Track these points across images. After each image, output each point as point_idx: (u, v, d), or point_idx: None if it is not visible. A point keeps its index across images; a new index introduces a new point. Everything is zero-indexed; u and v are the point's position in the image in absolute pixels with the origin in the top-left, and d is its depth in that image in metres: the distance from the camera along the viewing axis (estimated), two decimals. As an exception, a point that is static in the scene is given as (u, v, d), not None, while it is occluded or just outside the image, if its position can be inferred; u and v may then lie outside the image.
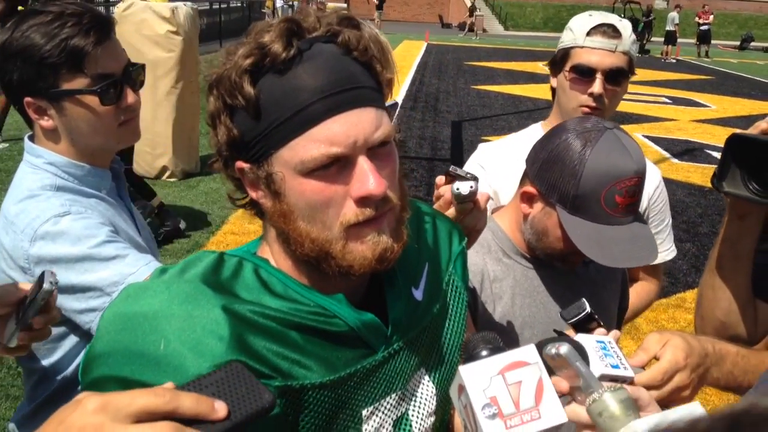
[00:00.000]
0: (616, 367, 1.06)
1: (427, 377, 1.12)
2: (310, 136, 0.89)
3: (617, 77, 1.94)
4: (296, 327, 0.94)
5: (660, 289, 2.34)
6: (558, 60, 2.02)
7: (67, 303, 1.44)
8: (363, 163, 0.91)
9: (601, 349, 1.08)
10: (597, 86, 1.91)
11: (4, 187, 6.91)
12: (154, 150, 7.60)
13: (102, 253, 1.44)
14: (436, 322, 1.14)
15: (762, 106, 15.91)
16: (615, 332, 1.21)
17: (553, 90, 2.07)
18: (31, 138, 1.61)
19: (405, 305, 1.07)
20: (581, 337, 1.10)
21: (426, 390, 1.12)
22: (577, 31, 1.97)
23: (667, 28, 28.15)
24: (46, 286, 1.10)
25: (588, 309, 1.22)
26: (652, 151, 10.57)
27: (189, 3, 8.30)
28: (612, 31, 1.93)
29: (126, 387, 0.83)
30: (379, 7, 34.54)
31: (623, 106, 15.54)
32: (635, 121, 13.04)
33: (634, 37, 1.98)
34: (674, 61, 27.61)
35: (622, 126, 1.46)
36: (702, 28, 30.44)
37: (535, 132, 2.12)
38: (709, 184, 1.49)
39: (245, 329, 0.89)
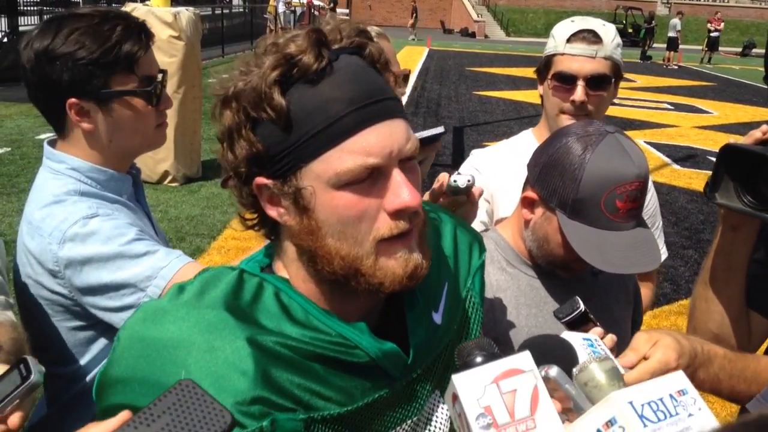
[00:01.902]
0: None
1: (442, 400, 1.09)
2: (344, 148, 0.87)
3: (600, 83, 1.92)
4: (317, 358, 0.92)
5: (654, 294, 2.32)
6: (542, 68, 2.02)
7: (100, 302, 1.45)
8: (397, 175, 0.90)
9: (589, 346, 1.07)
10: (578, 93, 1.90)
11: (6, 191, 6.90)
12: (155, 155, 7.59)
13: (133, 251, 1.44)
14: (453, 342, 1.12)
15: (764, 112, 15.89)
16: (611, 336, 1.19)
17: (542, 98, 2.06)
18: (52, 144, 1.60)
19: (425, 330, 1.05)
20: (567, 335, 1.09)
21: (442, 413, 1.09)
22: (558, 37, 1.96)
23: (669, 35, 28.14)
24: (35, 377, 0.91)
25: (582, 307, 1.21)
26: (654, 158, 10.56)
27: (191, 8, 8.31)
28: (593, 37, 1.91)
29: None
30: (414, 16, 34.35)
31: (625, 113, 15.51)
32: (637, 127, 13.03)
33: (618, 41, 1.96)
34: (676, 67, 27.61)
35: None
36: (712, 34, 30.46)
37: (526, 138, 2.12)
38: None
39: (269, 362, 0.87)
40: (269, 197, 0.93)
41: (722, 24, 30.99)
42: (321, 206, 0.90)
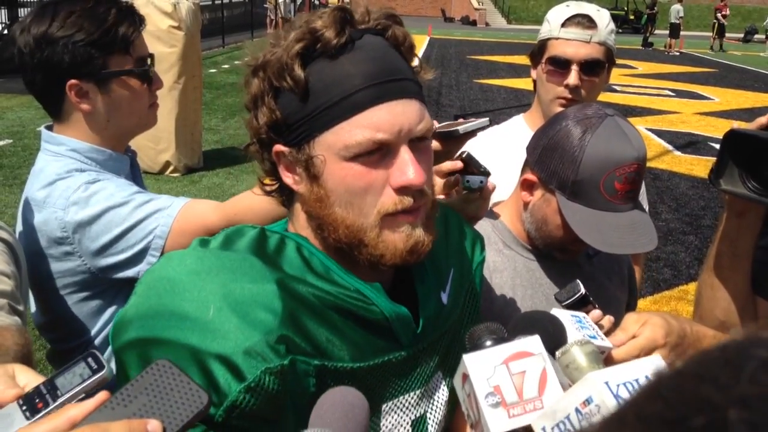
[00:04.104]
0: (593, 337, 1.07)
1: (443, 382, 1.12)
2: (356, 122, 0.91)
3: (593, 68, 1.93)
4: (336, 309, 0.94)
5: (642, 278, 2.33)
6: (536, 52, 2.02)
7: (113, 259, 1.51)
8: (404, 153, 0.93)
9: (577, 322, 1.09)
10: (572, 78, 1.91)
11: (8, 182, 6.92)
12: (156, 145, 7.61)
13: (136, 200, 1.51)
14: (455, 328, 1.15)
15: (766, 98, 15.86)
16: (609, 317, 1.21)
17: (535, 82, 2.07)
18: (49, 129, 1.64)
19: (434, 306, 1.08)
20: (557, 312, 1.11)
21: (442, 394, 1.12)
22: (553, 22, 1.97)
23: (671, 21, 28.02)
24: (106, 371, 0.80)
25: (582, 290, 1.23)
26: (655, 144, 10.55)
27: (191, -2, 8.28)
28: (587, 22, 1.92)
29: (168, 350, 0.82)
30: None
31: (626, 99, 15.43)
32: (638, 114, 13.00)
33: (612, 27, 1.96)
34: (678, 53, 27.50)
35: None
36: (722, 21, 30.36)
37: (518, 124, 2.13)
38: None
39: (295, 305, 0.89)
40: (286, 164, 0.98)
41: (727, 10, 30.87)
42: (330, 175, 0.93)
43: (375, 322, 0.98)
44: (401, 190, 0.93)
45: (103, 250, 1.49)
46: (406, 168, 0.92)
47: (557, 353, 0.90)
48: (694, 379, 0.31)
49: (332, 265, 0.98)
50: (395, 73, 0.94)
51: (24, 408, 0.76)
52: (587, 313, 1.19)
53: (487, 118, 1.35)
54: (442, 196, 1.40)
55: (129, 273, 1.52)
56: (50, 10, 1.52)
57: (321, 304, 0.93)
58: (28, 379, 0.82)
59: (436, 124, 1.29)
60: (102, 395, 0.71)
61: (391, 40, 0.97)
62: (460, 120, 1.37)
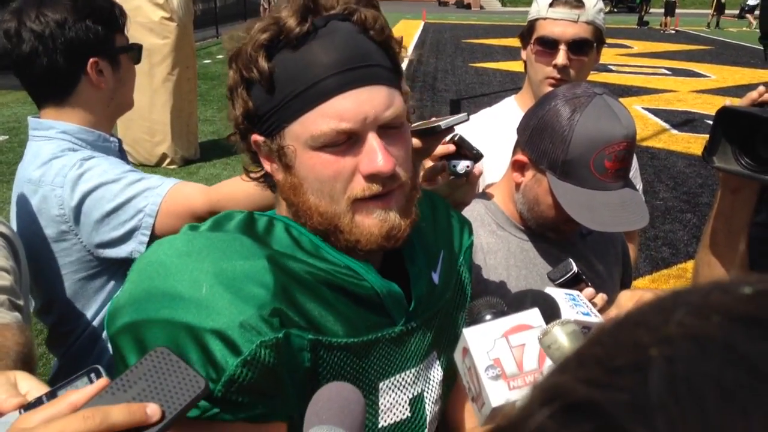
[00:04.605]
0: (587, 314, 1.08)
1: (437, 362, 1.13)
2: (320, 111, 0.90)
3: (582, 47, 1.93)
4: (328, 284, 0.95)
5: (637, 255, 2.34)
6: (525, 33, 2.03)
7: (106, 236, 1.54)
8: (372, 140, 0.92)
9: (571, 300, 1.11)
10: (561, 57, 1.91)
11: (5, 178, 6.91)
12: (152, 138, 7.60)
13: (129, 177, 1.56)
14: (447, 309, 1.16)
15: (762, 74, 15.81)
16: (602, 295, 1.22)
17: (525, 63, 2.07)
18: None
19: (425, 285, 1.09)
20: (550, 290, 1.12)
21: (436, 374, 1.13)
22: (541, 2, 1.98)
23: (666, -1, 27.92)
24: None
25: (575, 269, 1.24)
26: (651, 123, 10.54)
27: (182, -12, 8.23)
28: (575, 1, 1.93)
29: (164, 330, 0.83)
30: None
31: (622, 79, 15.37)
32: (635, 93, 12.98)
33: (600, 6, 1.97)
34: (673, 32, 27.40)
35: (621, 98, 1.45)
36: None
37: (509, 106, 2.13)
38: None
39: (287, 280, 0.90)
40: (264, 153, 0.99)
41: None
42: (301, 164, 0.94)
43: (367, 297, 0.99)
44: (370, 177, 0.93)
45: (96, 226, 1.54)
46: (374, 156, 0.92)
47: (538, 334, 0.91)
48: (630, 326, 0.34)
49: (322, 243, 0.99)
50: (362, 59, 0.92)
51: None
52: (580, 291, 1.20)
53: (466, 113, 1.35)
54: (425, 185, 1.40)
55: (121, 253, 1.56)
56: None
57: (313, 279, 0.93)
58: (30, 386, 0.83)
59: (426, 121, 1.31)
60: (102, 381, 0.73)
61: (358, 24, 0.95)
62: (434, 119, 1.37)
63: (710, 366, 0.29)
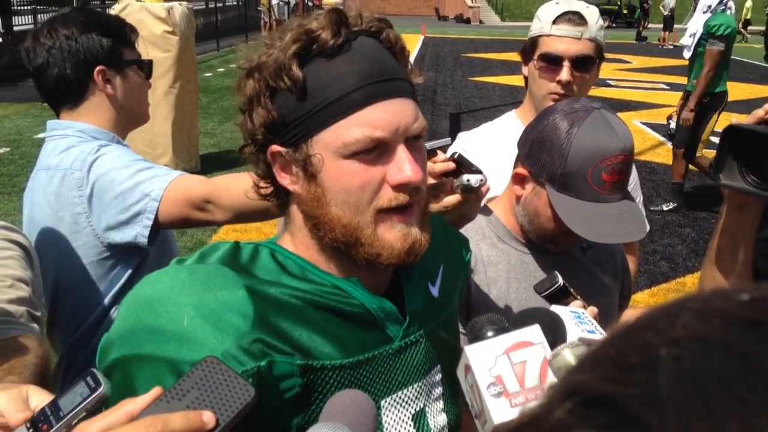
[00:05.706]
0: (592, 332, 1.08)
1: (440, 375, 1.13)
2: (354, 120, 0.93)
3: (585, 64, 1.96)
4: (314, 305, 0.96)
5: (637, 268, 2.35)
6: (527, 49, 2.05)
7: (113, 219, 1.64)
8: (402, 151, 0.95)
9: (576, 318, 1.11)
10: (564, 74, 1.94)
11: (6, 190, 6.92)
12: (154, 150, 7.62)
13: (139, 164, 1.68)
14: (450, 323, 1.16)
15: (760, 89, 15.87)
16: (592, 308, 1.23)
17: (526, 79, 2.10)
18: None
19: (422, 298, 1.09)
20: (556, 308, 1.13)
21: (438, 388, 1.13)
22: (543, 19, 2.00)
23: (664, 14, 28.04)
24: (104, 388, 0.80)
25: (560, 281, 1.25)
26: (650, 138, 10.57)
27: (184, 2, 8.29)
28: (578, 19, 1.96)
29: (147, 365, 0.85)
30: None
31: (621, 94, 15.33)
32: (633, 108, 13.02)
33: (601, 23, 2.00)
34: (672, 46, 27.51)
35: (620, 113, 1.47)
36: None
37: (510, 120, 2.15)
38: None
39: (268, 308, 0.91)
40: (282, 165, 0.99)
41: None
42: (327, 174, 0.95)
43: (358, 315, 0.99)
44: (398, 188, 0.95)
45: (106, 208, 1.63)
46: (404, 165, 0.94)
47: (548, 356, 0.91)
48: (641, 329, 0.38)
49: (308, 266, 1.00)
50: (390, 73, 0.96)
51: (31, 431, 0.80)
52: (567, 304, 1.21)
53: (449, 138, 1.42)
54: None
55: (126, 237, 1.65)
56: (70, 16, 1.78)
57: (299, 302, 0.94)
58: (40, 400, 0.85)
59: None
60: (156, 390, 0.75)
61: (384, 42, 0.99)
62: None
63: (712, 363, 0.33)
